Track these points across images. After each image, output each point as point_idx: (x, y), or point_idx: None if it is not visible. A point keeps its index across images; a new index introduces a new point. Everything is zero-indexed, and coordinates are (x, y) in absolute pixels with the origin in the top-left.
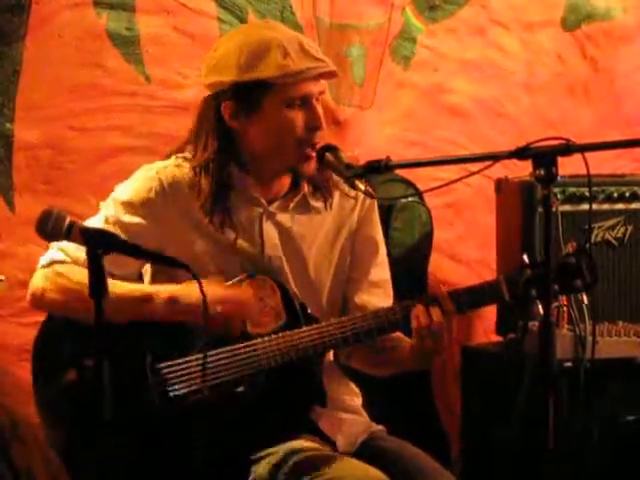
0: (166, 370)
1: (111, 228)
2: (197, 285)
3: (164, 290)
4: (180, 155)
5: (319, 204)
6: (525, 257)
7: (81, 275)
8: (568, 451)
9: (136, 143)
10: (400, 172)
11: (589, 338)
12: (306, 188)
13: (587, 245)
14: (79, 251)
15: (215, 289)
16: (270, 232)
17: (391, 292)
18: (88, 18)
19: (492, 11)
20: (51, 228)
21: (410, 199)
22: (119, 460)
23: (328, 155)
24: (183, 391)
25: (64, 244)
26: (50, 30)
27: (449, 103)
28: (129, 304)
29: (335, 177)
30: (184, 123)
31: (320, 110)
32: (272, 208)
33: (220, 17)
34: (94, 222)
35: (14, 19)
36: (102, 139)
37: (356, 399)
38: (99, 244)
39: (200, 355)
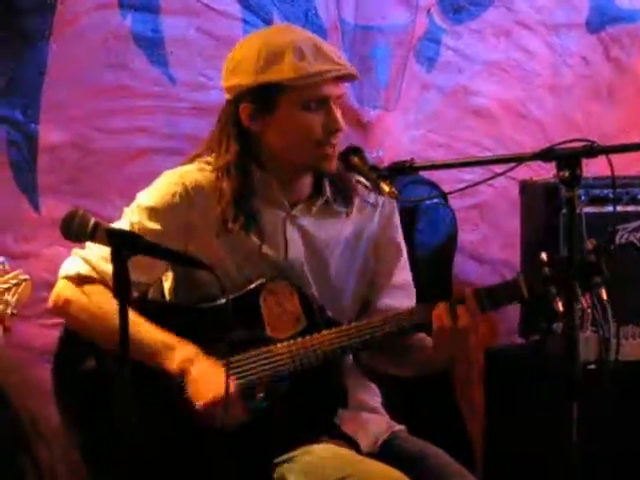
0: None
1: None
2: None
3: (185, 348)
4: (202, 160)
5: (341, 208)
6: (543, 255)
7: (105, 298)
8: (591, 453)
9: (161, 144)
10: (424, 174)
11: (613, 340)
12: (329, 192)
13: (611, 247)
14: (106, 263)
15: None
16: (293, 235)
17: (413, 293)
18: (113, 19)
19: (517, 13)
20: (76, 229)
21: (434, 201)
22: (140, 461)
23: (353, 157)
24: None
25: (87, 254)
26: (75, 31)
27: (473, 105)
28: (147, 355)
29: (355, 182)
30: (209, 125)
31: (338, 113)
32: (295, 211)
33: (245, 19)
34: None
35: (39, 20)
36: (127, 140)
37: (376, 399)
38: (124, 245)
39: (223, 361)
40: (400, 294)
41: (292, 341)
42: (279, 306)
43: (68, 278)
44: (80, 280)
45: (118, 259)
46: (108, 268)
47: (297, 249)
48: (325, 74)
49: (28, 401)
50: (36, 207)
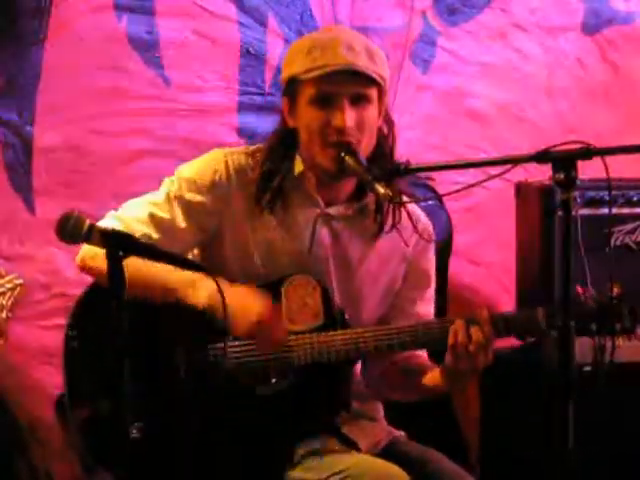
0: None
1: (173, 204)
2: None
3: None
4: (252, 147)
5: (378, 219)
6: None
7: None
8: (588, 455)
9: (156, 147)
10: (420, 176)
11: (608, 342)
12: (370, 200)
13: (607, 250)
14: (139, 224)
15: (255, 301)
16: (322, 233)
17: None
18: (108, 22)
19: (512, 15)
20: (70, 230)
21: (429, 202)
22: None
23: (347, 159)
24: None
25: (123, 213)
26: (70, 33)
27: (469, 107)
28: (172, 289)
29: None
30: (204, 126)
31: (351, 112)
32: (329, 210)
33: (240, 21)
34: (155, 196)
35: (34, 22)
36: (122, 142)
37: (379, 409)
38: (119, 246)
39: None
40: None
41: (307, 335)
42: (300, 299)
43: None
44: None
45: (113, 260)
46: (140, 229)
47: (323, 246)
48: (324, 68)
49: (25, 404)
50: (31, 209)
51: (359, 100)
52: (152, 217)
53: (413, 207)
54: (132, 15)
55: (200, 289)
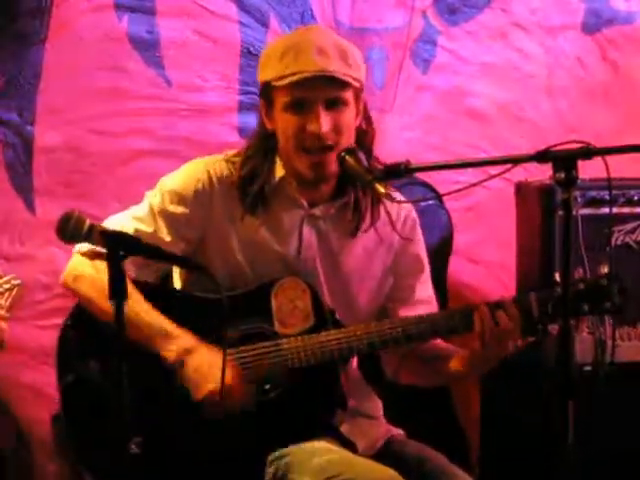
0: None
1: (156, 217)
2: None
3: (185, 338)
4: (231, 152)
5: (360, 214)
6: (557, 275)
7: None
8: (587, 455)
9: (157, 146)
10: (420, 175)
11: (609, 342)
12: (352, 196)
13: (607, 249)
14: None
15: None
16: (308, 234)
17: (436, 307)
18: (109, 21)
19: (513, 14)
20: (71, 230)
21: (430, 202)
22: (136, 455)
23: (348, 158)
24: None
25: None
26: (71, 33)
27: (469, 107)
28: (145, 339)
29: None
30: (205, 126)
31: (326, 117)
32: (314, 211)
33: (241, 21)
34: (138, 210)
35: (35, 22)
36: (123, 142)
37: (378, 408)
38: (119, 247)
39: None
40: (422, 308)
41: (299, 337)
42: (290, 302)
43: (81, 254)
44: (93, 255)
45: (113, 260)
46: None
47: (311, 248)
48: (296, 75)
49: (19, 403)
50: (31, 209)
51: (334, 104)
52: (137, 232)
53: (394, 193)
54: (133, 15)
55: (172, 344)
